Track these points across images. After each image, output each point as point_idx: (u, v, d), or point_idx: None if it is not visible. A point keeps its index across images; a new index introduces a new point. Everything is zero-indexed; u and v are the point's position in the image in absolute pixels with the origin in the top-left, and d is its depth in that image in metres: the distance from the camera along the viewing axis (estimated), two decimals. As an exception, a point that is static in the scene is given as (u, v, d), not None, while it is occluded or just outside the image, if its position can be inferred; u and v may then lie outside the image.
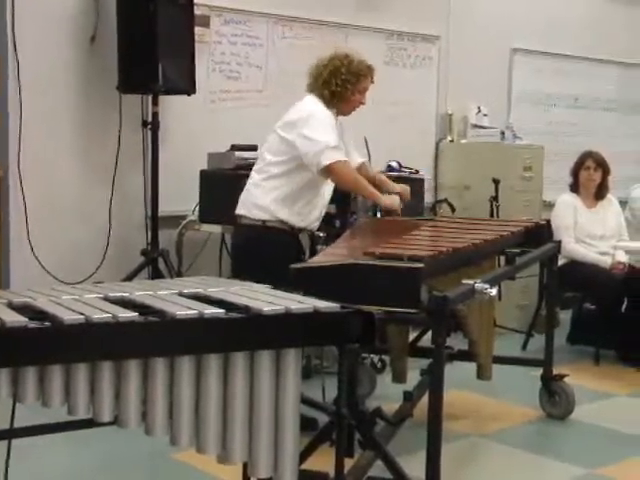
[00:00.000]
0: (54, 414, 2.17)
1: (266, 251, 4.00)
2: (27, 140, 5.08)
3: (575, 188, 6.07)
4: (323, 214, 4.24)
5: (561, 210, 5.99)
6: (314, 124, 3.99)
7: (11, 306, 2.16)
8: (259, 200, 4.07)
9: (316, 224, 4.19)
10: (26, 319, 1.98)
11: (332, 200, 4.38)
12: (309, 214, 4.10)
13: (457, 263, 3.50)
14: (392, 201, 4.14)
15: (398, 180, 4.69)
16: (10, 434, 2.45)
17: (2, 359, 1.93)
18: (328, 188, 4.20)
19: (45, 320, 2.02)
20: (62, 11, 5.21)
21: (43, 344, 1.97)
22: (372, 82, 4.24)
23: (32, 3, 5.07)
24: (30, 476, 3.44)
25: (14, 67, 5.01)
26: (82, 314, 2.03)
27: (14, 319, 1.97)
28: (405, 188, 4.38)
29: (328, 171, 3.97)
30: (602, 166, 6.01)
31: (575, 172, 6.05)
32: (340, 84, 4.10)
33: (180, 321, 2.11)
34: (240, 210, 4.14)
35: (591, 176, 5.98)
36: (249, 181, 4.16)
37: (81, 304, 2.18)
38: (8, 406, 2.20)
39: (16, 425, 2.42)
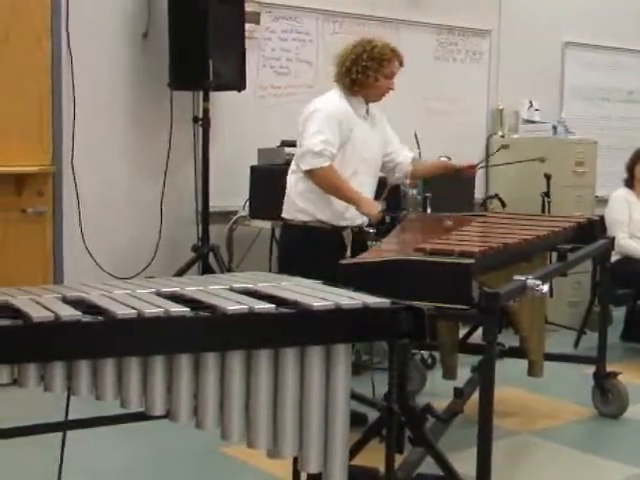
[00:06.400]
0: (106, 407, 2.20)
1: (309, 251, 4.00)
2: (80, 136, 5.15)
3: (630, 183, 5.99)
4: None
5: (615, 205, 5.92)
6: (311, 123, 3.96)
7: (65, 300, 2.19)
8: (298, 204, 4.07)
9: (359, 221, 4.12)
10: (80, 313, 2.01)
11: (380, 196, 4.36)
12: (346, 212, 4.06)
13: (508, 259, 3.47)
14: (369, 209, 3.99)
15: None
16: (65, 426, 2.49)
17: (57, 352, 1.96)
18: (367, 183, 4.13)
19: (98, 314, 2.05)
20: (115, 8, 5.27)
21: (96, 338, 2.00)
22: (401, 66, 4.14)
23: (86, 0, 5.13)
24: (83, 468, 3.49)
25: (68, 64, 5.08)
26: (134, 309, 2.06)
27: (68, 313, 2.00)
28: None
29: (308, 176, 3.97)
30: (659, 161, 5.92)
31: (631, 167, 5.98)
32: (361, 71, 4.03)
33: (231, 316, 2.12)
34: (284, 214, 4.17)
35: (647, 171, 5.91)
36: (288, 183, 4.16)
37: (133, 299, 2.20)
38: (63, 399, 2.23)
39: (70, 417, 2.45)
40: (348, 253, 3.96)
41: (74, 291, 2.29)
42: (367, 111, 4.16)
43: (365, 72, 4.03)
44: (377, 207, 4.01)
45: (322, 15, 6.02)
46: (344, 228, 4.07)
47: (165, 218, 5.49)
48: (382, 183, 4.30)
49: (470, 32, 6.81)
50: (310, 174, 3.95)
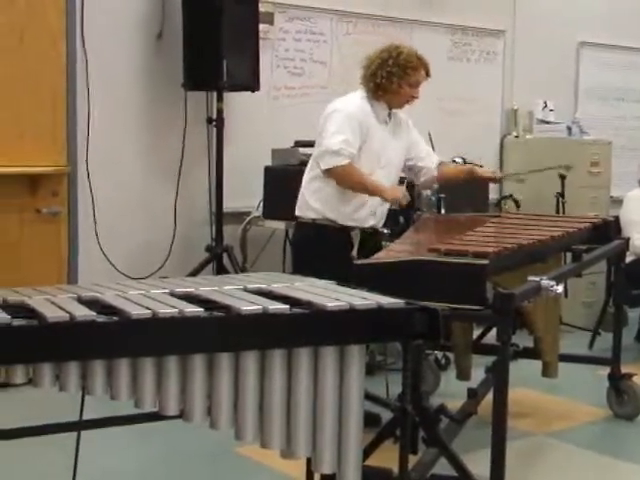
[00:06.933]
0: (121, 407, 2.20)
1: (319, 248, 4.03)
2: (95, 137, 5.17)
3: (645, 183, 5.96)
4: (380, 211, 4.15)
5: (630, 205, 5.89)
6: (330, 123, 3.96)
7: (80, 301, 2.19)
8: (309, 201, 4.10)
9: (372, 222, 4.12)
10: (94, 313, 2.01)
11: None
12: (355, 213, 4.06)
13: (522, 260, 3.46)
14: (394, 193, 4.02)
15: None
16: (79, 426, 2.49)
17: (72, 352, 1.97)
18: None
19: (113, 314, 2.06)
20: (129, 9, 5.29)
21: (111, 338, 2.00)
22: (428, 75, 4.11)
23: (100, 1, 5.15)
24: (97, 467, 3.50)
25: (82, 65, 5.10)
26: (149, 309, 2.06)
27: (83, 313, 2.01)
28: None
29: (327, 175, 3.98)
30: (673, 161, 5.90)
31: (645, 167, 5.96)
32: (385, 76, 4.01)
33: (245, 316, 2.12)
34: (297, 212, 4.19)
35: (662, 171, 5.88)
36: (303, 181, 4.18)
37: (148, 299, 2.20)
38: (78, 398, 2.24)
39: (84, 417, 2.46)
40: (354, 253, 3.97)
41: (89, 291, 2.30)
42: (389, 116, 4.15)
43: (389, 78, 4.02)
44: (400, 190, 4.05)
45: (336, 16, 6.02)
46: (352, 228, 4.08)
47: (179, 218, 5.50)
48: (400, 181, 4.29)
49: (484, 32, 6.80)
50: (329, 173, 3.96)
